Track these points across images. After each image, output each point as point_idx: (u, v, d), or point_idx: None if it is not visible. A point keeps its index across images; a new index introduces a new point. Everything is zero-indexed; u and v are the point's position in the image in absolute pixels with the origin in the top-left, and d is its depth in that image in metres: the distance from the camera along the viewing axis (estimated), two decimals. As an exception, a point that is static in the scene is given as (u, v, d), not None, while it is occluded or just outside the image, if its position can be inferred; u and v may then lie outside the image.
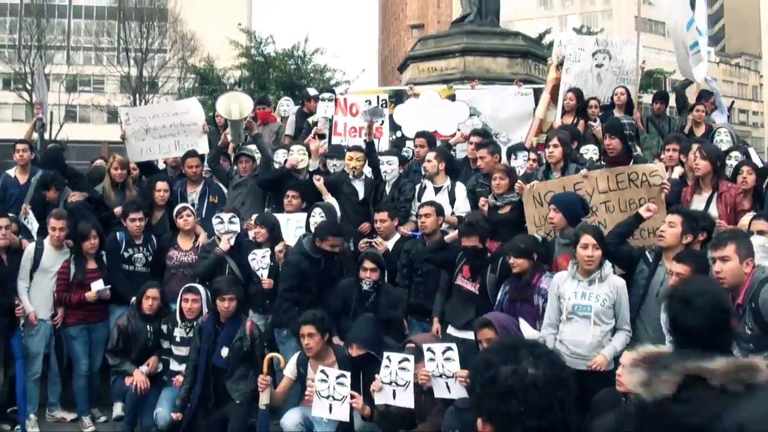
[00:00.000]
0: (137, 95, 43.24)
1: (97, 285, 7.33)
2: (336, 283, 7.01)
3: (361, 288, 6.72)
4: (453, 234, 6.99)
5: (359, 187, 8.53)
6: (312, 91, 11.87)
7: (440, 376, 5.38)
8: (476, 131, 8.93)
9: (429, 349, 5.46)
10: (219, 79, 28.55)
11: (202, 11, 51.43)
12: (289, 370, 6.25)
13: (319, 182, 8.33)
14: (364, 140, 8.94)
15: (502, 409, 2.07)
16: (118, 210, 8.08)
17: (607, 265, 5.69)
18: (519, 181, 7.32)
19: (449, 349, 5.44)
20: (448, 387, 5.37)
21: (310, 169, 8.87)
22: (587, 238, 5.63)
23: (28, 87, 46.66)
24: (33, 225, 8.05)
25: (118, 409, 7.17)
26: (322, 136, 9.78)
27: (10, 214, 7.71)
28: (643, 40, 10.37)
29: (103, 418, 7.55)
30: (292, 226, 7.88)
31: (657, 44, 47.51)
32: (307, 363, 6.14)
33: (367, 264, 6.66)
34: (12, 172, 8.89)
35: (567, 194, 6.65)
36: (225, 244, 7.45)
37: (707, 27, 11.96)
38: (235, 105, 9.03)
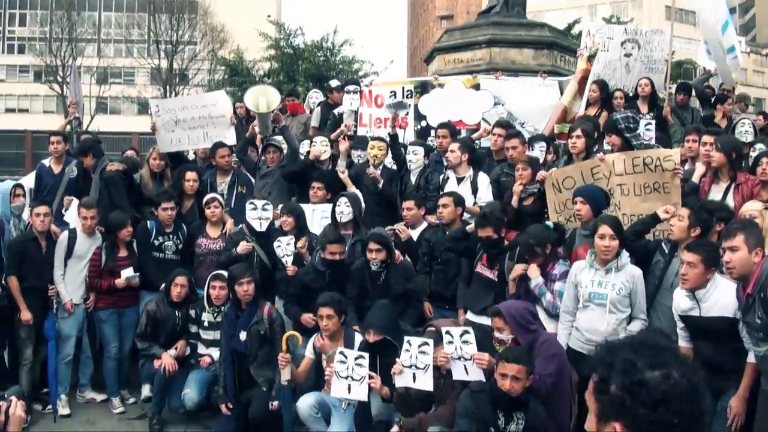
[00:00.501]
0: (167, 87, 43.61)
1: (127, 272, 7.55)
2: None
3: (371, 269, 6.83)
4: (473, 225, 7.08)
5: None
6: (334, 83, 11.92)
7: (458, 358, 5.47)
8: (500, 123, 8.94)
9: (447, 332, 5.55)
10: (248, 70, 28.67)
11: (232, 3, 51.76)
12: (309, 350, 6.42)
13: (343, 174, 8.46)
14: (388, 133, 9.03)
15: (651, 417, 1.90)
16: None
17: (624, 254, 5.75)
18: (541, 170, 7.40)
19: (466, 332, 5.53)
20: (466, 369, 5.45)
21: (338, 167, 8.98)
22: (605, 229, 5.70)
23: (59, 79, 47.39)
24: (72, 215, 8.26)
25: (146, 390, 7.40)
26: (351, 137, 9.84)
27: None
28: (674, 30, 10.33)
29: (132, 400, 7.78)
30: (318, 216, 8.00)
31: (687, 34, 46.82)
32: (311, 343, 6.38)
33: (372, 246, 6.76)
34: (47, 162, 9.14)
35: (592, 187, 6.67)
36: (243, 248, 7.52)
37: (738, 17, 11.93)
38: (263, 98, 9.13)
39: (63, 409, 7.44)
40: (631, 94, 10.40)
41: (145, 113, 49.75)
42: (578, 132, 7.67)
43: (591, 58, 10.66)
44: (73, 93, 10.33)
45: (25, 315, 7.37)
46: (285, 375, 6.18)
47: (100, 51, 56.41)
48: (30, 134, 60.60)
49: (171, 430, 7.10)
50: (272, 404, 6.37)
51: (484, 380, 5.19)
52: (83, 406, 7.73)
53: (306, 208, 7.96)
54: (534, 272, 6.16)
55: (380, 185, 8.32)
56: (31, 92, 61.35)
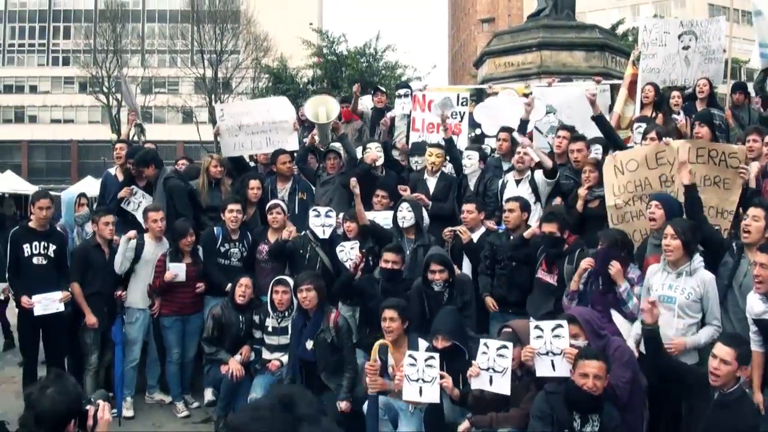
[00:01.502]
0: (212, 96, 44.04)
1: (175, 268, 7.64)
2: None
3: (432, 288, 6.70)
4: (531, 229, 7.05)
5: (431, 183, 8.66)
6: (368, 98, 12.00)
7: (546, 353, 5.38)
8: (565, 126, 8.86)
9: (537, 327, 5.47)
10: (292, 78, 28.91)
11: (275, 12, 52.21)
12: (373, 359, 6.35)
13: (405, 193, 8.42)
14: (443, 138, 9.04)
15: None
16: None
17: (697, 258, 5.65)
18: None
19: (559, 326, 5.42)
20: (553, 365, 5.34)
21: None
22: (668, 228, 5.67)
23: (104, 90, 48.14)
24: (137, 201, 8.41)
25: (208, 394, 7.43)
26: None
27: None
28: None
29: (195, 404, 7.89)
30: (379, 223, 7.98)
31: (732, 32, 46.16)
32: (387, 351, 6.29)
33: (435, 267, 6.64)
34: (113, 170, 9.32)
35: (669, 195, 6.50)
36: (286, 233, 7.67)
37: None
38: (323, 108, 9.22)
39: (127, 411, 7.58)
40: (691, 89, 10.27)
41: (189, 122, 50.56)
42: (652, 134, 7.61)
43: (636, 62, 10.53)
44: (128, 101, 10.46)
45: (91, 319, 7.54)
46: (374, 385, 6.03)
47: (144, 61, 57.28)
48: (76, 144, 61.90)
49: (237, 434, 7.16)
50: (339, 404, 6.38)
51: (570, 376, 5.14)
52: (148, 410, 7.88)
53: (368, 215, 7.94)
54: (620, 277, 6.03)
55: (429, 206, 8.29)
56: (76, 103, 62.62)
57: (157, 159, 8.80)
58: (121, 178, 9.02)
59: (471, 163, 8.67)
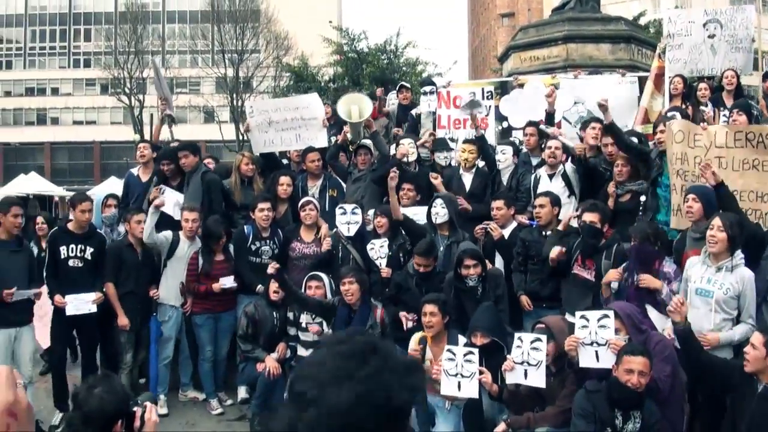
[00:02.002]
0: (233, 95, 44.16)
1: (225, 281, 7.70)
2: None
3: (466, 283, 6.69)
4: (565, 220, 7.06)
5: (467, 180, 8.67)
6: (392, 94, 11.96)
7: (591, 344, 5.33)
8: (596, 118, 8.76)
9: (583, 317, 5.43)
10: (313, 76, 28.82)
11: (294, 10, 52.25)
12: (412, 348, 6.38)
13: (436, 180, 8.39)
14: (475, 135, 9.01)
15: None
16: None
17: (738, 255, 5.60)
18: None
19: (605, 316, 5.37)
20: (597, 356, 5.30)
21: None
22: (715, 220, 5.63)
23: (126, 91, 48.44)
24: (170, 197, 8.34)
25: (242, 392, 7.50)
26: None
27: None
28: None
29: (229, 401, 7.90)
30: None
31: (760, 22, 45.64)
32: (426, 345, 6.31)
33: (468, 261, 6.62)
34: (135, 170, 9.35)
35: (706, 187, 6.37)
36: (326, 245, 7.76)
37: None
38: (355, 106, 9.21)
39: (161, 409, 7.57)
40: (719, 77, 10.20)
41: (211, 121, 50.73)
42: (662, 127, 7.61)
43: (663, 55, 10.44)
44: (160, 89, 10.39)
45: (122, 320, 7.60)
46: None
47: (165, 62, 57.47)
48: (98, 145, 62.35)
49: (272, 432, 7.18)
50: None
51: (611, 369, 5.08)
52: (182, 408, 7.93)
53: None
54: (653, 283, 5.99)
55: (470, 210, 8.27)
56: (98, 104, 63.06)
57: (194, 146, 8.96)
58: (144, 178, 9.04)
59: (505, 158, 8.65)
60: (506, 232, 7.59)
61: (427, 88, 11.05)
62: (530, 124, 9.04)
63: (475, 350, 5.71)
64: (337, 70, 28.75)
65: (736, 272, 5.56)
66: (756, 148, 6.61)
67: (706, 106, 9.57)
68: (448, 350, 5.76)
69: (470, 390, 5.66)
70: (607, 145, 7.95)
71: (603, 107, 7.76)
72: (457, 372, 5.66)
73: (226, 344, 8.00)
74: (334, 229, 7.91)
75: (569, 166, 8.00)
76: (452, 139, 10.26)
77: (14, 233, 7.12)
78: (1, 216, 6.97)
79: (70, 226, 7.74)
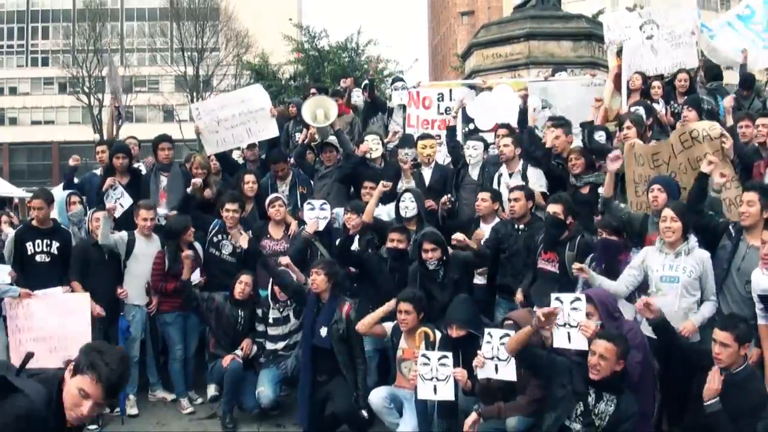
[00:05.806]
0: (193, 94, 43.85)
1: (193, 276, 7.67)
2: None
3: (427, 267, 6.75)
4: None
5: (426, 174, 8.76)
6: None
7: (564, 325, 5.38)
8: (551, 117, 8.91)
9: (557, 299, 5.46)
10: (274, 74, 28.77)
11: (255, 8, 51.96)
12: (386, 329, 6.52)
13: (405, 165, 8.58)
14: (447, 125, 9.43)
15: None
16: (197, 181, 8.38)
17: (692, 238, 5.82)
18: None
19: (578, 299, 5.43)
20: (569, 337, 5.34)
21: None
22: (666, 211, 5.83)
23: (85, 90, 47.82)
24: (124, 200, 8.32)
25: (211, 390, 7.47)
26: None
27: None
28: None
29: (199, 400, 7.86)
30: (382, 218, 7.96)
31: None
32: (400, 335, 6.41)
33: (427, 246, 6.68)
34: (98, 172, 9.28)
35: (670, 179, 6.71)
36: (312, 227, 7.72)
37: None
38: (320, 110, 9.23)
39: (131, 410, 7.55)
40: (666, 77, 10.46)
41: (171, 120, 50.21)
42: (627, 123, 7.77)
43: (620, 53, 10.60)
44: (111, 83, 10.30)
45: (95, 309, 7.34)
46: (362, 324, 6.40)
47: (124, 60, 56.84)
48: (57, 145, 61.26)
49: (244, 429, 7.17)
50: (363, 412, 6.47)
51: (586, 349, 5.14)
52: (152, 408, 7.84)
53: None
54: (585, 274, 6.13)
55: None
56: (56, 104, 62.11)
57: (171, 138, 9.23)
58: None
59: (476, 153, 8.68)
60: (488, 227, 7.57)
61: (399, 84, 11.29)
62: (502, 126, 9.14)
63: (449, 354, 5.78)
64: (298, 68, 28.69)
65: (693, 255, 5.77)
66: (703, 143, 6.86)
67: (659, 103, 9.79)
68: (423, 355, 5.83)
69: (446, 393, 5.74)
70: (558, 137, 8.12)
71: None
72: (432, 376, 5.74)
73: (194, 342, 7.96)
74: (303, 226, 7.92)
75: (531, 169, 8.11)
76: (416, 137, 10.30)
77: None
78: None
79: (34, 222, 7.66)
